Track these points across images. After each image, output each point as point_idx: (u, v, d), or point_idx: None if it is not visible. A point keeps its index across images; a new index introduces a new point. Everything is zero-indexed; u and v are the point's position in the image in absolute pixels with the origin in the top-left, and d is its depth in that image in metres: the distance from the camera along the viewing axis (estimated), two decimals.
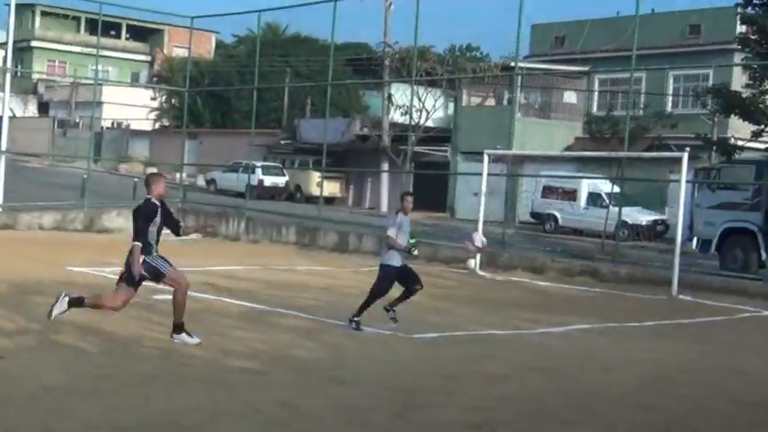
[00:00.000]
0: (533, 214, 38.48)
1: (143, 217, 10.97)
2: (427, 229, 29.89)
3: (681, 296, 19.88)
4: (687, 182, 22.02)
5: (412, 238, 13.59)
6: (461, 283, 20.79)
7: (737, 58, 32.49)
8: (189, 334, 11.29)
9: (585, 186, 36.67)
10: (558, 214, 37.42)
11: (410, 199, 13.66)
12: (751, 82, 25.11)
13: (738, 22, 23.91)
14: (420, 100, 38.34)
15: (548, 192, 37.96)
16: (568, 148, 40.95)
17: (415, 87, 36.18)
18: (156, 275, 11.07)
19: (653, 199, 35.74)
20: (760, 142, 25.39)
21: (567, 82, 44.67)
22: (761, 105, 22.66)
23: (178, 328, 11.27)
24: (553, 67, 43.41)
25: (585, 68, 42.45)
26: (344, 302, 15.25)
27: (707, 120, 35.65)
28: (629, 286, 21.38)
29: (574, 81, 44.78)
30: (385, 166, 43.89)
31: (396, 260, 13.41)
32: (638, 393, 10.44)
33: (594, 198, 36.20)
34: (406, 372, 10.86)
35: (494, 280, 21.94)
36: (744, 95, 23.50)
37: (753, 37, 22.69)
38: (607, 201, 32.34)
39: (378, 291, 13.46)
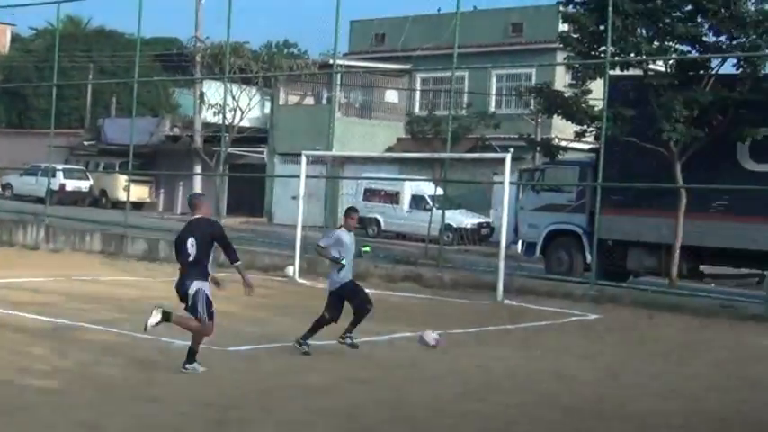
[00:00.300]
0: None
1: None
2: (244, 235, 29.66)
3: (506, 301, 20.35)
4: (511, 183, 22.57)
5: (365, 246, 13.71)
6: (280, 292, 20.69)
7: (560, 57, 33.54)
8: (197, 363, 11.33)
9: (408, 189, 37.18)
10: (380, 218, 37.81)
11: (356, 216, 13.57)
12: (573, 81, 25.92)
13: (560, 21, 24.64)
14: (234, 98, 38.02)
15: (369, 194, 38.30)
16: (390, 149, 41.47)
17: (229, 85, 35.86)
18: (194, 305, 11.14)
19: (477, 201, 36.55)
20: (583, 143, 26.23)
21: (388, 81, 45.18)
22: (583, 105, 23.41)
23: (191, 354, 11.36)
24: (373, 65, 43.83)
25: (407, 67, 43.06)
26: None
27: (530, 120, 36.67)
28: (453, 292, 21.74)
29: (395, 80, 45.33)
30: (198, 169, 43.30)
31: (340, 279, 13.14)
32: (463, 402, 10.59)
33: (418, 201, 36.74)
34: (220, 387, 10.70)
35: (314, 288, 21.90)
36: (566, 95, 24.23)
37: (574, 36, 23.44)
38: (430, 203, 32.90)
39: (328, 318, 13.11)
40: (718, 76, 22.49)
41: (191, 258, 11.17)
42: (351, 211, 13.76)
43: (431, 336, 13.63)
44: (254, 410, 9.60)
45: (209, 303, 11.19)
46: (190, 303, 11.16)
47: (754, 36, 21.30)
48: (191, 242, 11.20)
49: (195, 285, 11.13)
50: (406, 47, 43.46)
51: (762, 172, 21.47)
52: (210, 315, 11.23)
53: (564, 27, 24.95)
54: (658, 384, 12.26)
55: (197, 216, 11.47)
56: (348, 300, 13.27)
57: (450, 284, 22.60)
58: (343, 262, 13.22)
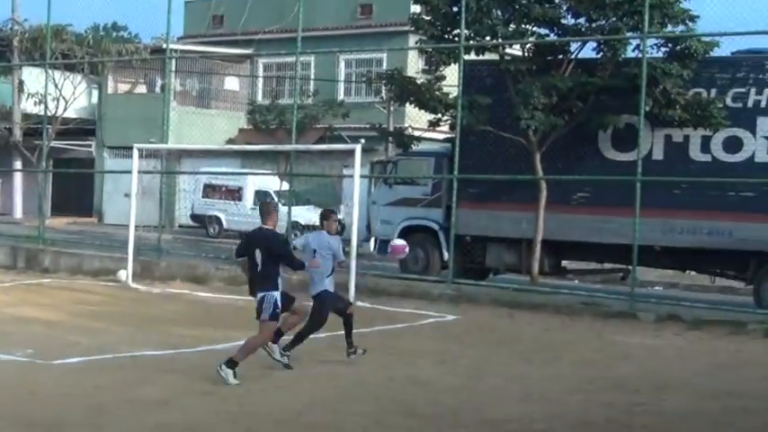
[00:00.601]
0: (194, 216, 38.36)
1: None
2: (71, 237, 29.05)
3: (359, 303, 20.34)
4: (361, 177, 22.64)
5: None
6: (112, 298, 20.35)
7: (412, 40, 33.84)
8: (235, 375, 11.96)
9: (252, 184, 36.99)
10: (221, 216, 37.51)
11: (334, 217, 13.92)
12: (426, 67, 26.16)
13: (411, 2, 24.87)
14: (57, 87, 37.18)
15: (209, 191, 37.97)
16: (231, 141, 41.18)
17: (51, 72, 35.04)
18: (260, 310, 12.36)
19: (327, 196, 36.49)
20: (438, 132, 26.50)
21: (227, 66, 44.85)
22: (437, 92, 23.61)
23: (232, 363, 12.06)
24: (212, 49, 43.43)
25: (248, 51, 42.80)
26: None
27: (382, 108, 36.86)
28: (303, 293, 21.66)
29: (235, 65, 45.01)
30: (17, 165, 42.23)
31: (323, 285, 13.60)
32: (312, 412, 10.58)
33: (262, 197, 36.55)
34: (46, 404, 10.45)
35: (150, 293, 21.62)
36: (419, 82, 24.42)
37: (426, 18, 23.66)
38: (276, 199, 32.75)
39: (317, 324, 13.68)
40: (577, 61, 23.00)
41: (259, 269, 12.38)
42: (330, 213, 14.11)
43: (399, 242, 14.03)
44: (84, 428, 9.40)
45: (275, 306, 12.34)
46: (259, 308, 12.40)
47: (614, 18, 21.82)
48: (257, 254, 12.36)
49: (262, 293, 12.37)
50: (247, 30, 43.20)
51: (624, 161, 22.03)
52: (275, 317, 12.42)
53: (416, 8, 25.16)
54: (520, 388, 12.48)
55: (264, 226, 12.62)
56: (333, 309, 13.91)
57: (298, 286, 22.55)
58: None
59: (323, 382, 12.31)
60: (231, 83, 45.63)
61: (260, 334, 12.52)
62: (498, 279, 24.57)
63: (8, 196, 43.84)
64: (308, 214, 34.80)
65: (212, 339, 15.06)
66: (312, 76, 40.32)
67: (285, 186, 29.56)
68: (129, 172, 24.24)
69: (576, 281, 25.17)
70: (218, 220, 37.48)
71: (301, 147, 25.78)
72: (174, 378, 12.13)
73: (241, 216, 36.43)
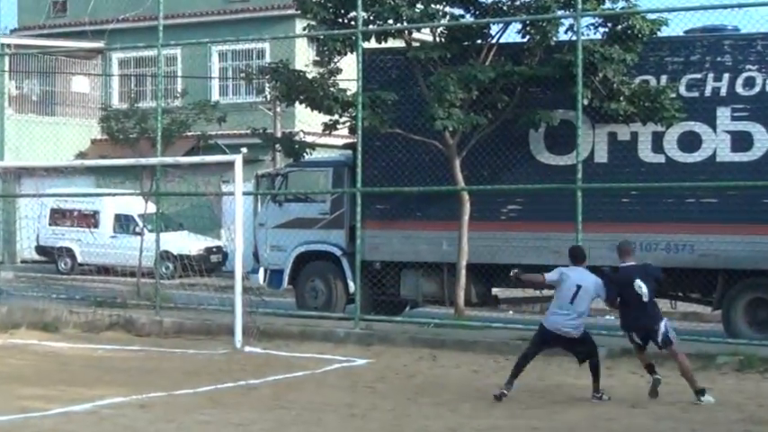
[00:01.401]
0: (40, 249, 37.90)
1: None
2: None
3: (248, 348, 20.30)
4: (244, 194, 22.54)
5: None
6: None
7: (299, 26, 33.81)
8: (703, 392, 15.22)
9: (110, 207, 36.65)
10: (74, 247, 37.09)
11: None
12: (318, 58, 26.11)
13: None
14: None
15: (58, 217, 37.58)
16: (83, 155, 40.75)
17: None
18: (667, 337, 15.39)
19: (203, 220, 36.25)
20: (336, 137, 26.47)
21: (74, 64, 44.39)
22: (332, 89, 23.51)
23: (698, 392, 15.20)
24: (54, 43, 42.95)
25: (99, 45, 42.41)
26: None
27: (266, 110, 36.78)
28: (177, 340, 21.57)
29: (84, 62, 44.58)
30: None
31: (551, 320, 15.65)
32: None
33: (124, 222, 36.29)
34: None
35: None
36: (310, 76, 24.35)
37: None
38: (141, 225, 32.47)
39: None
40: (500, 47, 23.15)
41: (645, 299, 15.18)
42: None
43: None
44: None
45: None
46: (661, 339, 15.27)
47: None
48: (641, 286, 15.17)
49: (659, 323, 15.30)
50: (97, 19, 42.78)
51: (561, 166, 22.22)
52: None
53: None
54: None
55: (632, 263, 15.68)
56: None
57: (172, 330, 22.39)
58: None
59: None
60: (80, 84, 45.16)
61: (681, 356, 15.43)
62: (416, 313, 24.60)
63: None
64: (180, 242, 34.61)
65: (69, 399, 14.83)
66: (179, 73, 40.08)
67: (152, 208, 29.25)
68: None
69: (511, 312, 25.35)
70: (69, 252, 37.05)
71: (169, 160, 25.50)
72: None
73: (99, 246, 36.03)
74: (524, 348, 16.01)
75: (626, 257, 15.64)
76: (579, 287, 15.28)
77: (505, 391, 15.28)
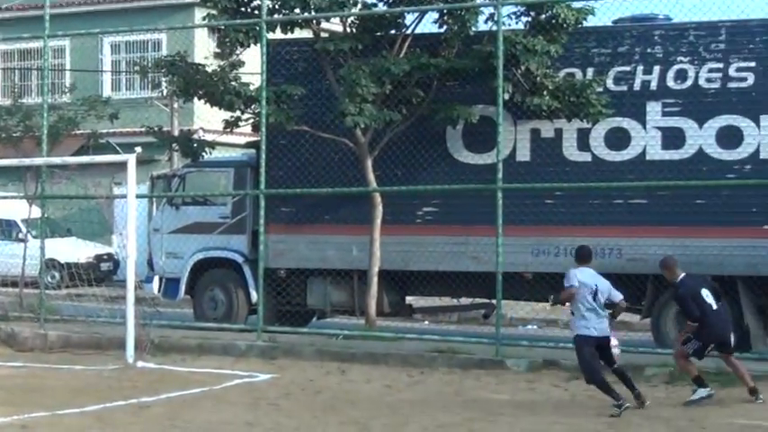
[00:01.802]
0: None
1: None
2: None
3: (141, 363, 20.14)
4: (138, 196, 22.35)
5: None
6: None
7: (198, 16, 33.68)
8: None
9: None
10: None
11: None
12: (219, 50, 26.02)
13: None
14: None
15: None
16: None
17: None
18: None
19: (93, 225, 36.07)
20: (238, 135, 26.35)
21: None
22: (233, 83, 23.40)
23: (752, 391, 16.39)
24: None
25: None
26: None
27: (163, 106, 36.58)
28: (63, 356, 21.39)
29: None
30: None
31: (585, 326, 15.75)
32: None
33: (6, 228, 35.90)
34: None
35: None
36: (209, 69, 24.22)
37: None
38: (24, 231, 32.18)
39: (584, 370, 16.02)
40: (415, 38, 23.18)
41: (714, 307, 16.25)
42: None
43: None
44: None
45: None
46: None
47: None
48: (708, 296, 16.29)
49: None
50: None
51: (481, 165, 22.27)
52: None
53: None
54: None
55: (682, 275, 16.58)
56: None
57: (58, 345, 22.23)
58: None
59: None
60: None
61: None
62: (324, 324, 24.56)
63: None
64: (68, 249, 34.35)
65: None
66: (68, 66, 39.74)
67: (36, 213, 28.96)
68: None
69: (427, 322, 25.37)
70: None
71: (56, 160, 25.26)
72: None
73: None
74: (588, 372, 15.86)
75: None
76: (596, 286, 15.73)
77: (627, 404, 15.57)
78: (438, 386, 18.15)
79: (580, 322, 15.70)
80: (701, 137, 21.14)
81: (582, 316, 15.63)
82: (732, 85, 21.09)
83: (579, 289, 15.64)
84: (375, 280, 22.84)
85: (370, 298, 22.90)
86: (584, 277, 15.77)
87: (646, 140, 21.55)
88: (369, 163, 22.85)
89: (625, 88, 21.78)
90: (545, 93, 21.66)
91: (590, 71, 22.06)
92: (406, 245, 22.84)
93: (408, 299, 24.65)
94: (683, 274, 16.48)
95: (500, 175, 20.45)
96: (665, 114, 21.51)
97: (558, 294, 16.98)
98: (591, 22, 22.18)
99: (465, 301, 24.57)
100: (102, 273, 35.42)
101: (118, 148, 32.98)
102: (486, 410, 16.01)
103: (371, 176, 22.81)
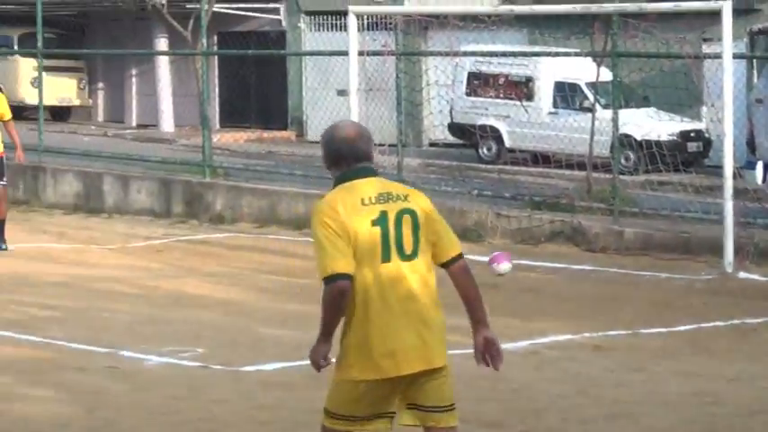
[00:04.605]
0: (454, 127, 38.42)
1: None
2: (257, 162, 29.75)
3: (742, 274, 20.14)
4: (735, 57, 22.37)
5: None
6: None
7: None
8: None
9: (549, 72, 36.83)
10: (501, 127, 37.47)
11: None
12: None
13: None
14: None
15: (478, 84, 38.00)
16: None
17: None
18: None
19: (678, 93, 35.97)
20: None
21: None
22: None
23: None
24: None
25: None
26: (108, 309, 15.14)
27: None
28: (644, 259, 21.59)
29: None
30: (162, 45, 43.38)
31: None
32: None
33: (568, 93, 36.43)
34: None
35: None
36: None
37: None
38: (591, 98, 32.64)
39: None
40: None
41: None
42: None
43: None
44: None
45: None
46: None
47: None
48: None
49: None
50: None
51: None
52: None
53: None
54: None
55: None
56: None
57: (636, 245, 22.42)
58: None
59: (682, 408, 12.28)
60: None
61: None
62: None
63: (148, 97, 45.02)
64: (646, 122, 34.45)
65: (499, 334, 15.14)
66: None
67: (605, 75, 29.26)
68: (345, 53, 24.56)
69: None
70: (494, 132, 37.33)
71: (631, 7, 25.28)
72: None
73: (534, 126, 36.19)
74: None
75: None
76: None
77: None
78: None
79: None
80: None
81: None
82: None
83: None
84: None
85: None
86: None
87: None
88: None
89: None
90: None
91: None
92: None
93: None
94: None
95: None
96: None
97: None
98: None
99: None
100: (690, 155, 35.32)
101: None
102: None
103: None
